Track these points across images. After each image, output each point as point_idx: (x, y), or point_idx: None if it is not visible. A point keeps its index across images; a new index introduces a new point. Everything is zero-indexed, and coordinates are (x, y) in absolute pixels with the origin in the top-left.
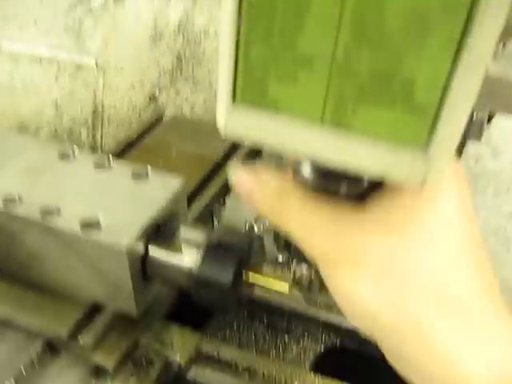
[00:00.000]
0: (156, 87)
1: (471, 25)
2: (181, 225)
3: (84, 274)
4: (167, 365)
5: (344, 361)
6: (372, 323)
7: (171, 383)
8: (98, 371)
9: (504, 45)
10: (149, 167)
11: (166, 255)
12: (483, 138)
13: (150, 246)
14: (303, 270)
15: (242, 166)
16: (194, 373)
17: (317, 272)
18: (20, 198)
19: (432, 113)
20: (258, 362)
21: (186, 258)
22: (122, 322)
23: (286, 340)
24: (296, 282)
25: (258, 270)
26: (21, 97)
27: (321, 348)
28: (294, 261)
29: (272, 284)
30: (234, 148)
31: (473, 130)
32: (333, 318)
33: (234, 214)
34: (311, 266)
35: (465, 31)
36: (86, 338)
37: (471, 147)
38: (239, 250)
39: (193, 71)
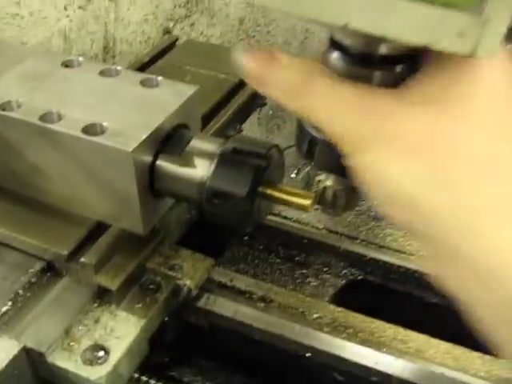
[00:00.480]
0: (170, 20)
1: None
2: (193, 135)
3: (87, 188)
4: (176, 291)
5: (365, 294)
6: (412, 211)
7: (179, 311)
8: (102, 296)
9: None
10: (159, 77)
11: (176, 165)
12: None
13: (158, 155)
14: (328, 181)
15: (249, 48)
16: (204, 301)
17: (342, 184)
18: (18, 103)
19: None
20: (274, 291)
21: (198, 168)
22: (128, 244)
23: (304, 273)
24: (319, 196)
25: (276, 181)
26: (28, 27)
27: (341, 282)
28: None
29: (292, 198)
30: None
31: None
32: (355, 248)
33: None
34: (337, 178)
35: None
36: (88, 258)
37: None
38: (257, 158)
39: (209, 2)
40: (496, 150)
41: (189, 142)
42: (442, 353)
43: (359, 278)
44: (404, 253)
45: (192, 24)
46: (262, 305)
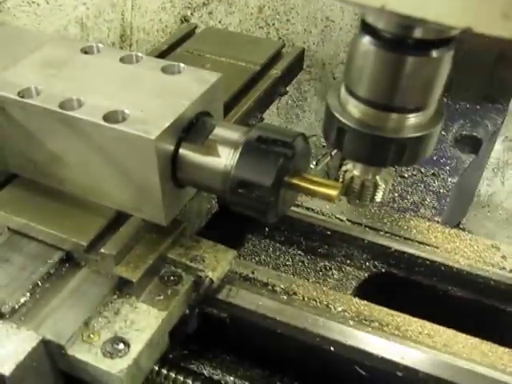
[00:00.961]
0: (188, 8)
1: None
2: (216, 123)
3: (108, 177)
4: (197, 283)
5: (389, 287)
6: None
7: (201, 303)
8: (121, 287)
9: None
10: (181, 64)
11: (199, 154)
12: None
13: (181, 144)
14: (355, 170)
15: None
16: (226, 293)
17: (371, 173)
18: (37, 90)
19: None
20: (297, 283)
21: (222, 157)
22: (149, 235)
23: (327, 266)
24: (346, 186)
25: (302, 171)
26: (44, 15)
27: (364, 274)
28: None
29: (319, 188)
30: (272, 60)
31: None
32: (379, 240)
33: None
34: (365, 167)
35: None
36: (108, 249)
37: None
38: (282, 147)
39: None
40: None
41: (212, 131)
42: (470, 348)
43: (383, 270)
44: (429, 245)
45: (210, 12)
46: (285, 298)
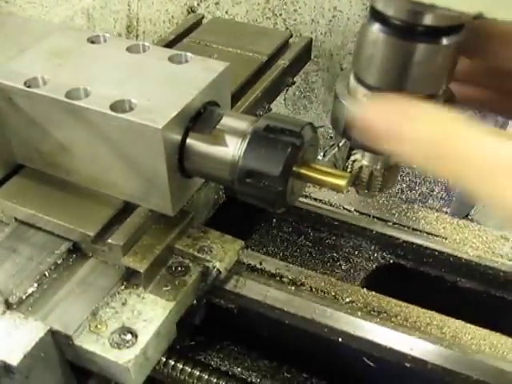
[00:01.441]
0: None
1: None
2: (223, 113)
3: (115, 166)
4: (204, 273)
5: (397, 278)
6: None
7: (208, 294)
8: (129, 278)
9: None
10: (189, 53)
11: (207, 144)
12: None
13: (188, 133)
14: (364, 160)
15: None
16: (233, 283)
17: (380, 163)
18: (44, 80)
19: None
20: (304, 274)
21: (230, 147)
22: (156, 225)
23: (335, 257)
24: (354, 176)
25: (310, 160)
26: (50, 6)
27: (372, 265)
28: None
29: (327, 177)
30: (280, 50)
31: None
32: (387, 231)
33: None
34: (374, 157)
35: None
36: (116, 239)
37: None
38: (290, 136)
39: None
40: None
41: (219, 120)
42: (479, 339)
43: (391, 261)
44: (438, 236)
45: (217, 3)
46: (293, 288)
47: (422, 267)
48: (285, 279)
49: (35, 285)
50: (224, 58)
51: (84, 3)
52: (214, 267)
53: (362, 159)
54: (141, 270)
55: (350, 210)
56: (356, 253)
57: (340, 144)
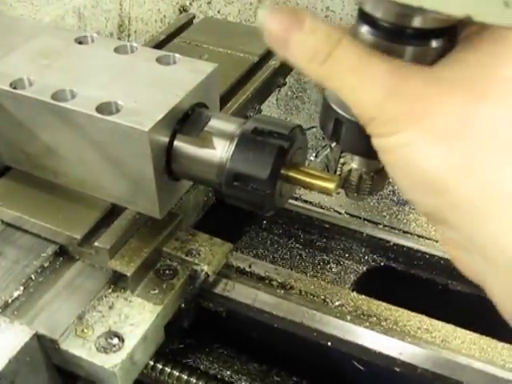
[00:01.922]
0: None
1: None
2: (212, 115)
3: (102, 169)
4: (193, 276)
5: (388, 280)
6: (440, 197)
7: (197, 297)
8: (116, 281)
9: None
10: (177, 54)
11: (194, 146)
12: None
13: (176, 136)
14: (353, 163)
15: (274, 8)
16: (222, 287)
17: (368, 166)
18: (30, 81)
19: None
20: (294, 277)
21: (217, 149)
22: (144, 228)
23: (325, 259)
24: (343, 179)
25: (299, 163)
26: (41, 5)
27: (363, 268)
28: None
29: (316, 180)
30: (271, 51)
31: None
32: (377, 233)
33: None
34: (363, 160)
35: None
36: (102, 242)
37: None
38: (279, 139)
39: None
40: None
41: (207, 122)
42: (469, 343)
43: (381, 264)
44: (429, 239)
45: (209, 2)
46: (282, 292)
47: (413, 270)
48: (274, 282)
49: (21, 288)
50: (215, 58)
51: (75, 2)
52: (202, 270)
53: (351, 162)
54: (128, 274)
55: (340, 213)
56: (346, 255)
57: (332, 145)
